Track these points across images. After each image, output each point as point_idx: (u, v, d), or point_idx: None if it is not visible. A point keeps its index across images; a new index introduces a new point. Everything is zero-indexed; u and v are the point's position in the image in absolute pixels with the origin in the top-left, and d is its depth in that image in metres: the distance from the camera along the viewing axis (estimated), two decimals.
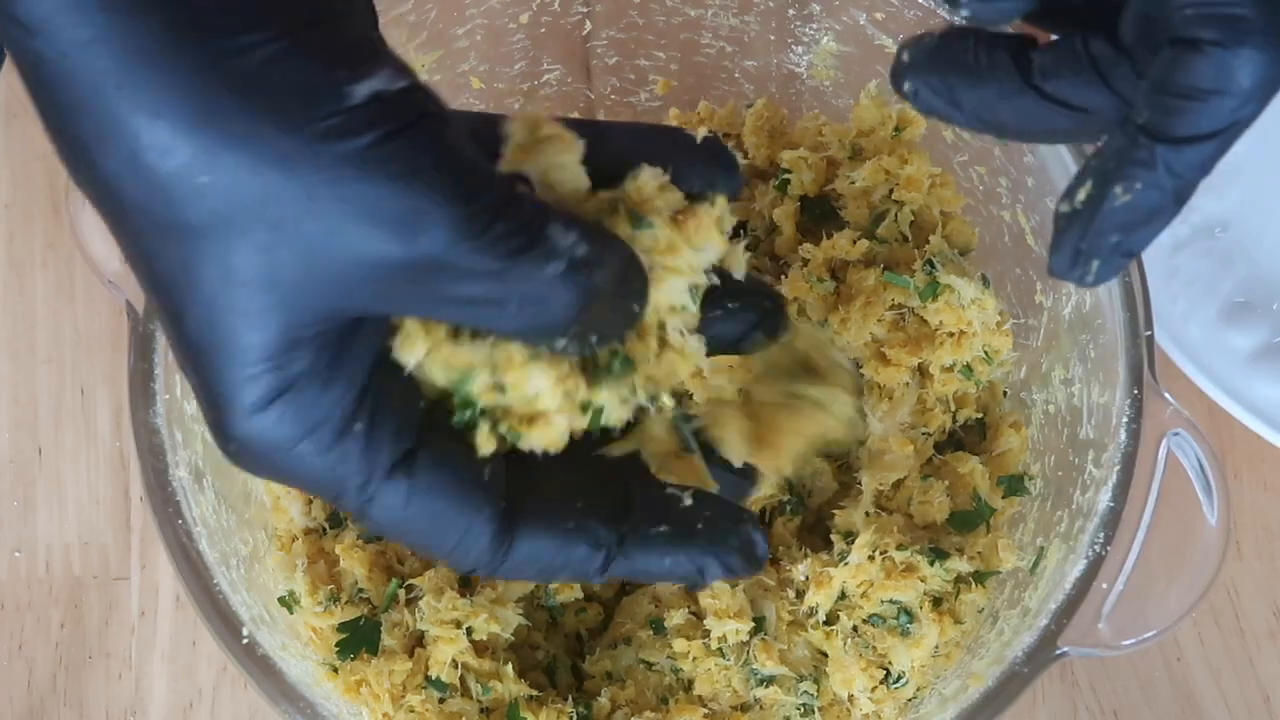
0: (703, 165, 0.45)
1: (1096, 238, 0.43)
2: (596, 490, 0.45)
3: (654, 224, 0.43)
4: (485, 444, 0.42)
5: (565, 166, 0.42)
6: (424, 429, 0.41)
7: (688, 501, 0.46)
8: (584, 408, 0.43)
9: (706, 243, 0.44)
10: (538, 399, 0.42)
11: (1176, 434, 0.59)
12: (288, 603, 0.62)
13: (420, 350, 0.40)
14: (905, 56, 0.47)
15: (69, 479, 0.75)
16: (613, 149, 0.44)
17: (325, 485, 0.40)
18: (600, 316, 0.40)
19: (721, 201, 0.45)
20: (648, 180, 0.43)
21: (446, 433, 0.42)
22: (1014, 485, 0.65)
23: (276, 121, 0.35)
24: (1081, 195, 0.43)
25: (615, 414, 0.43)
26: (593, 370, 0.43)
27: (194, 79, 0.35)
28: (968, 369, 0.65)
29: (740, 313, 0.48)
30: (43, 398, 0.76)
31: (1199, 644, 0.74)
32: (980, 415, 0.68)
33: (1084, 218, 0.43)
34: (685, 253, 0.43)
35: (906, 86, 0.47)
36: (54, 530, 0.74)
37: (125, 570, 0.74)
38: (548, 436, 0.42)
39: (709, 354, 0.46)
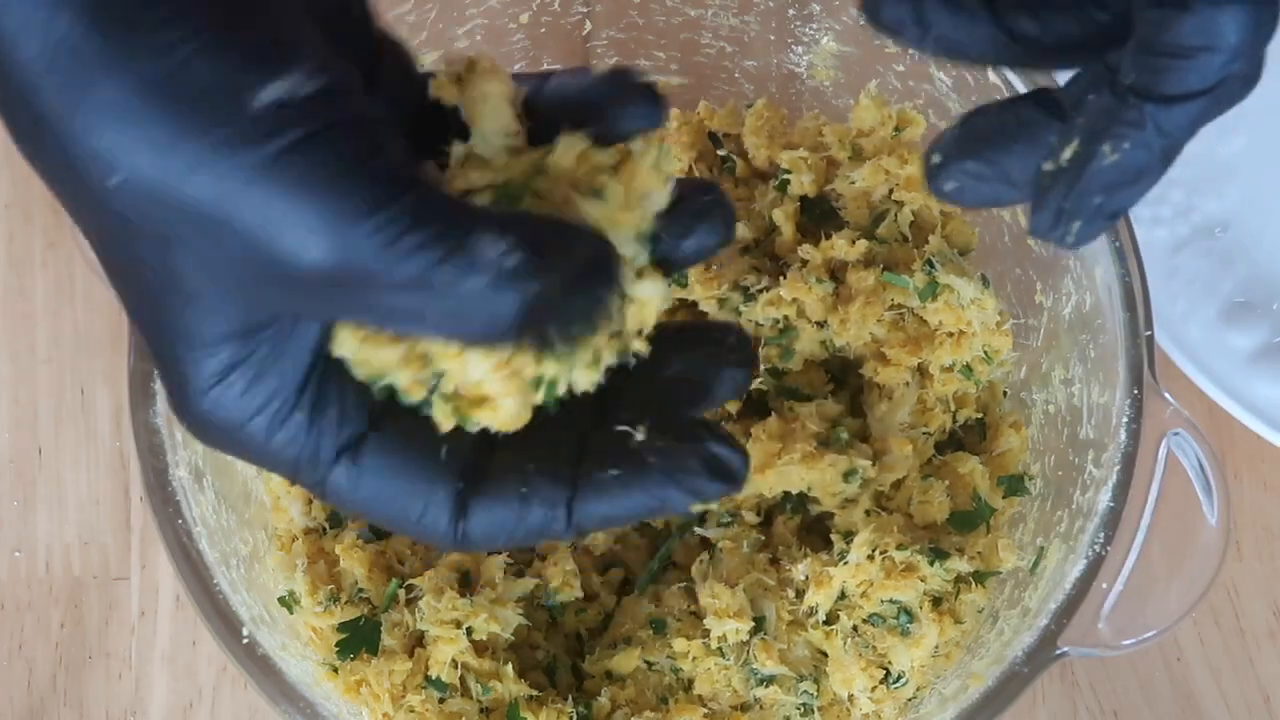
0: (629, 102, 0.43)
1: (1081, 197, 0.43)
2: (547, 447, 0.43)
3: (605, 196, 0.42)
4: (445, 421, 0.42)
5: (489, 98, 0.41)
6: (385, 409, 0.41)
7: (639, 436, 0.43)
8: (537, 383, 0.41)
9: (647, 191, 0.42)
10: (481, 384, 0.41)
11: (1176, 434, 0.59)
12: (288, 603, 0.62)
13: (349, 348, 0.41)
14: (935, 158, 0.46)
15: (69, 479, 0.75)
16: (548, 97, 0.43)
17: (279, 465, 0.41)
18: (556, 316, 0.39)
19: (654, 146, 0.43)
20: (566, 151, 0.41)
21: (408, 411, 0.42)
22: (1014, 485, 0.65)
23: (187, 127, 0.35)
24: (1067, 154, 0.43)
25: (583, 380, 0.42)
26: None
27: (115, 76, 0.35)
28: (968, 369, 0.65)
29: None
30: (43, 398, 0.76)
31: (1199, 644, 0.74)
32: (980, 415, 0.68)
33: (1069, 176, 0.43)
34: (627, 208, 0.42)
35: (949, 186, 0.46)
36: (54, 530, 0.74)
37: (125, 570, 0.74)
38: (498, 418, 0.41)
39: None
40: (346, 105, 0.37)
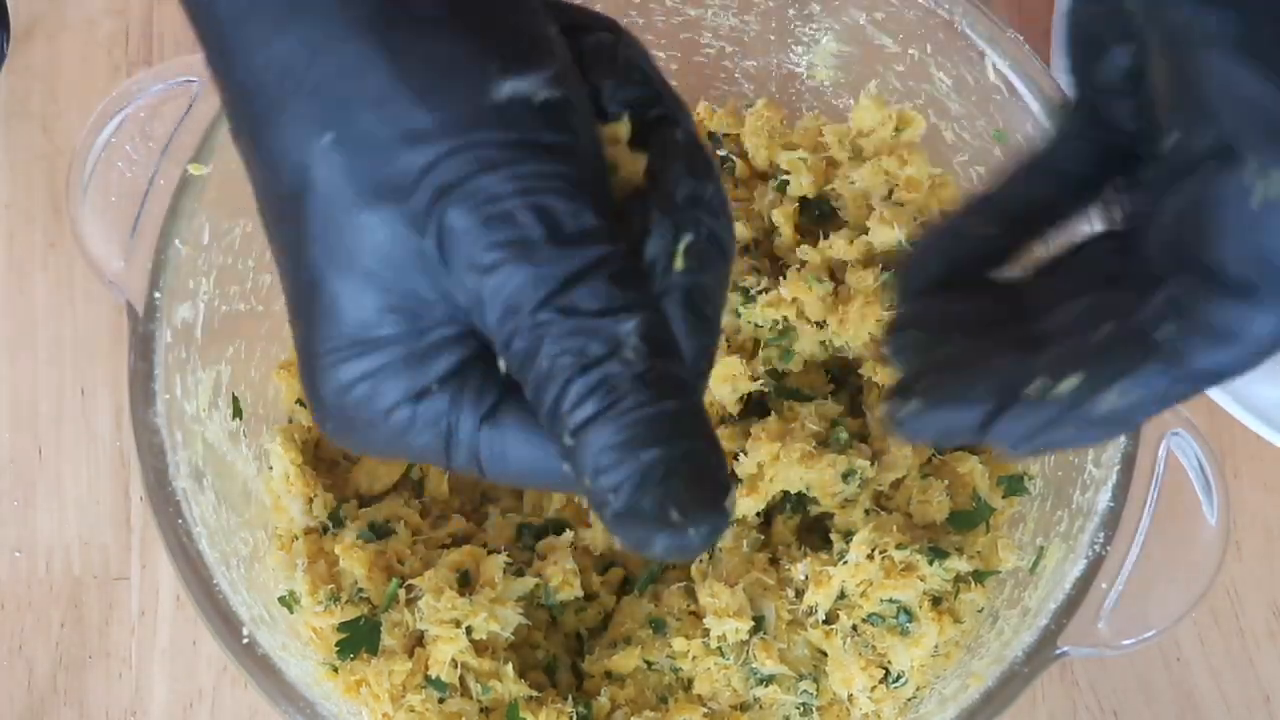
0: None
1: (1057, 430, 0.39)
2: None
3: None
4: None
5: None
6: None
7: None
8: None
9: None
10: None
11: (1176, 434, 0.59)
12: (288, 603, 0.62)
13: None
14: (898, 411, 0.41)
15: (69, 479, 0.75)
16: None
17: (422, 451, 0.38)
18: None
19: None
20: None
21: None
22: (1014, 485, 0.65)
23: (426, 98, 0.34)
24: (1064, 387, 0.39)
25: None
26: None
27: (356, 42, 0.34)
28: None
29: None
30: (43, 398, 0.76)
31: (1199, 644, 0.74)
32: None
33: (1060, 408, 0.39)
34: None
35: (917, 435, 0.42)
36: (54, 530, 0.74)
37: (125, 570, 0.74)
38: None
39: None
40: (577, 125, 0.36)
